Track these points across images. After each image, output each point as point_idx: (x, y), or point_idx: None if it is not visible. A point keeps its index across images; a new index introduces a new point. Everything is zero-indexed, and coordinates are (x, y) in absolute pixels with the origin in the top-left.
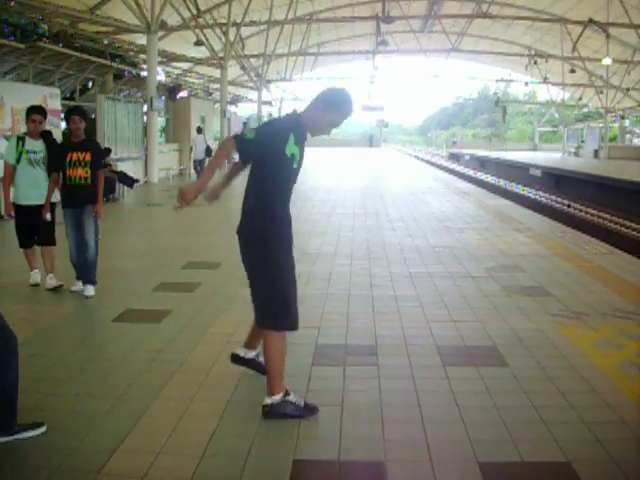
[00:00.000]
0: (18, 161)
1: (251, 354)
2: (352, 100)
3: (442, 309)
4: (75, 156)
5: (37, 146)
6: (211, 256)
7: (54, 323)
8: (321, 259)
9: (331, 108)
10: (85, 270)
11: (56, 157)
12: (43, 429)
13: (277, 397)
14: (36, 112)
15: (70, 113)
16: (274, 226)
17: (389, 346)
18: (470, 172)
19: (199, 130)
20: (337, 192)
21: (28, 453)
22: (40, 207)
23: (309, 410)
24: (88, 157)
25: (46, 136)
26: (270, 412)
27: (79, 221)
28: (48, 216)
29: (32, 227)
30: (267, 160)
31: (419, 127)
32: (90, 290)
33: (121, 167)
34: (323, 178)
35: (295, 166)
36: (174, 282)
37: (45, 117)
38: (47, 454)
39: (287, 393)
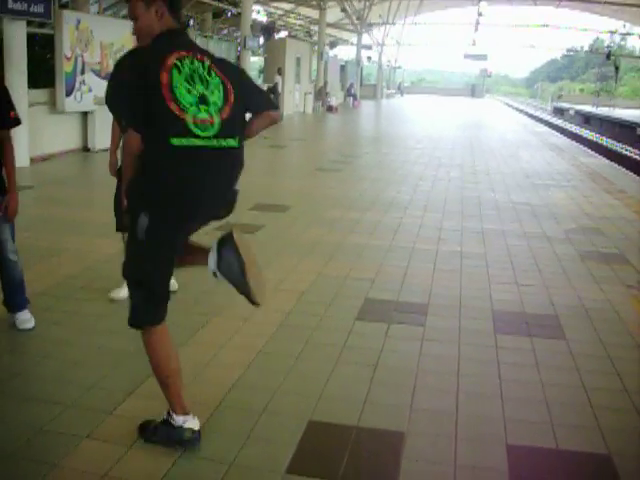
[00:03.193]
0: None
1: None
2: None
3: (508, 270)
4: None
5: None
6: (282, 199)
7: (104, 259)
8: (393, 209)
9: None
10: (11, 294)
11: None
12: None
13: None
14: None
15: None
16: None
17: (441, 306)
18: (572, 128)
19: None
20: (427, 141)
21: (44, 386)
22: None
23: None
24: None
25: None
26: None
27: None
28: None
29: None
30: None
31: (525, 79)
32: (28, 319)
33: None
34: (415, 126)
35: None
36: (237, 223)
37: None
38: (64, 388)
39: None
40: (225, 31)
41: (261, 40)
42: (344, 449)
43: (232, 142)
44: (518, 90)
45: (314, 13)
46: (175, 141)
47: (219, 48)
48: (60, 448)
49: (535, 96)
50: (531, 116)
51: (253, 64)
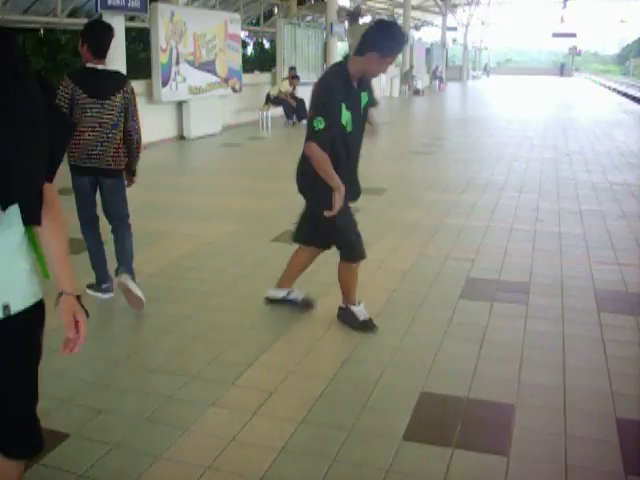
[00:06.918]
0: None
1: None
2: (403, 33)
3: (608, 250)
4: None
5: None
6: (377, 182)
7: (212, 241)
8: (489, 190)
9: (387, 50)
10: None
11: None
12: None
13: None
14: None
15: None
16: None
17: (543, 285)
18: None
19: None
20: (518, 122)
21: (169, 359)
22: None
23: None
24: None
25: None
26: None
27: None
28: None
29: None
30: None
31: (616, 56)
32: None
33: (301, 92)
34: (505, 107)
35: (350, 129)
36: None
37: None
38: (187, 361)
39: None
40: (310, 17)
41: (347, 25)
42: (457, 418)
43: None
44: (609, 68)
45: None
46: None
47: (306, 35)
48: (189, 414)
49: (627, 73)
50: (624, 94)
51: (339, 50)
